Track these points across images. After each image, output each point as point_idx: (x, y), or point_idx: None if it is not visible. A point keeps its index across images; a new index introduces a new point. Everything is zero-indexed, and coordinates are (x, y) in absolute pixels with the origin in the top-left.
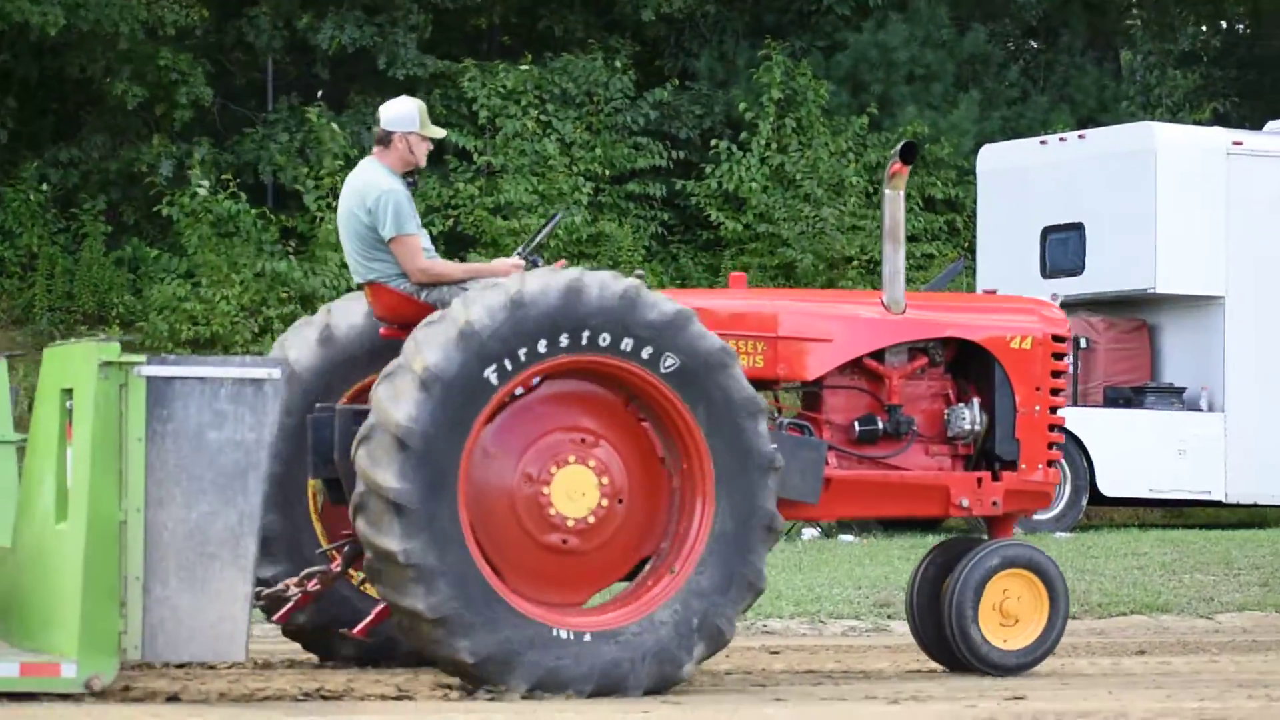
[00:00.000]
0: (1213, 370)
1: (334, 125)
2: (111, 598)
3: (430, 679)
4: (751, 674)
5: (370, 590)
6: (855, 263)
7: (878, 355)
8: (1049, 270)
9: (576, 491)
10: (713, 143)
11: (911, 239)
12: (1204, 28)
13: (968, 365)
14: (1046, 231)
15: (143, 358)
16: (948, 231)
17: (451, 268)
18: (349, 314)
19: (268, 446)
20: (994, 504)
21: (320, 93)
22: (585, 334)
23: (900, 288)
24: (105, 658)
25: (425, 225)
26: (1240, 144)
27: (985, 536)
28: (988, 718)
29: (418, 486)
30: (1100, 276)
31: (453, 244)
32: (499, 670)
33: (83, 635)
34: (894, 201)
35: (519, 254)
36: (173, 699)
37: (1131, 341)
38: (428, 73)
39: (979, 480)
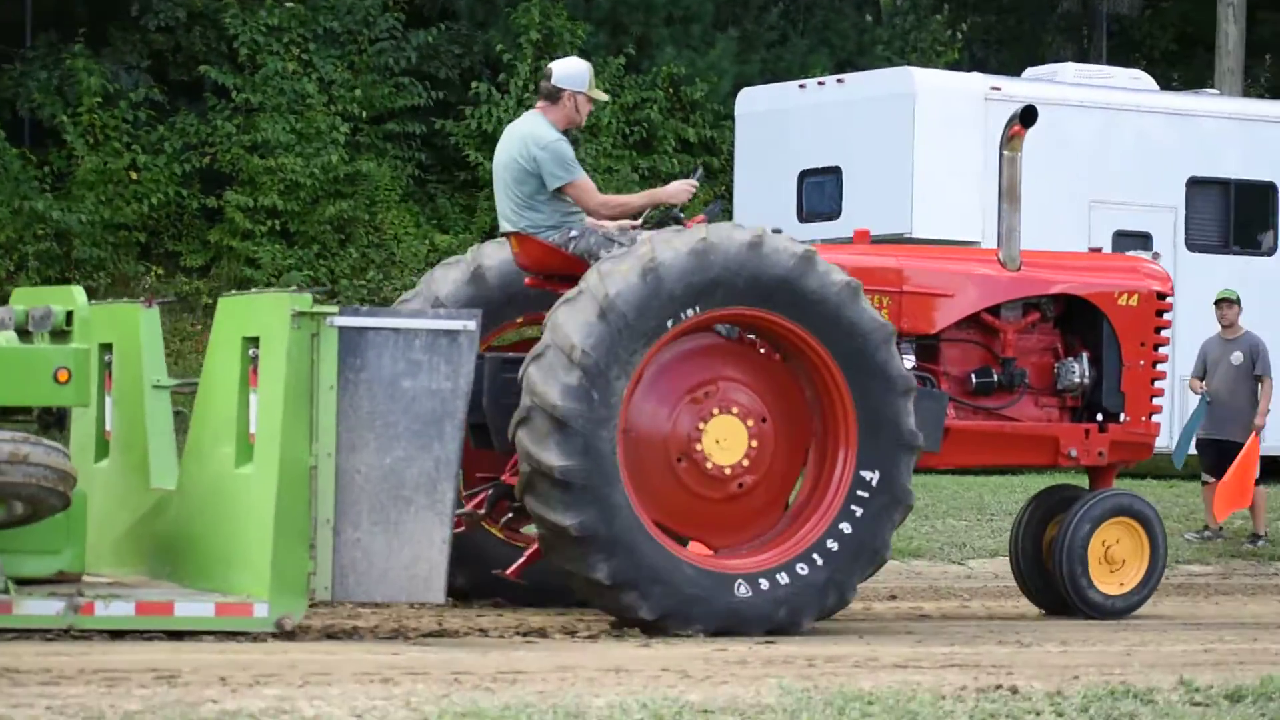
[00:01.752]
0: None
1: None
2: (301, 540)
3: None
4: (503, 617)
5: (501, 535)
6: None
7: (994, 310)
8: (805, 214)
9: (726, 439)
10: (473, 84)
11: (667, 181)
12: None
13: (1076, 320)
14: (804, 175)
15: (335, 309)
16: (705, 174)
17: (630, 197)
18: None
19: (464, 396)
20: (1100, 454)
21: (82, 30)
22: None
23: (1016, 245)
24: (295, 598)
25: (182, 162)
26: (998, 89)
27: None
28: (737, 660)
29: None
30: (857, 220)
31: (209, 181)
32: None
33: (274, 576)
34: (1011, 163)
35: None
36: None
37: None
38: (190, 10)
39: (1086, 431)
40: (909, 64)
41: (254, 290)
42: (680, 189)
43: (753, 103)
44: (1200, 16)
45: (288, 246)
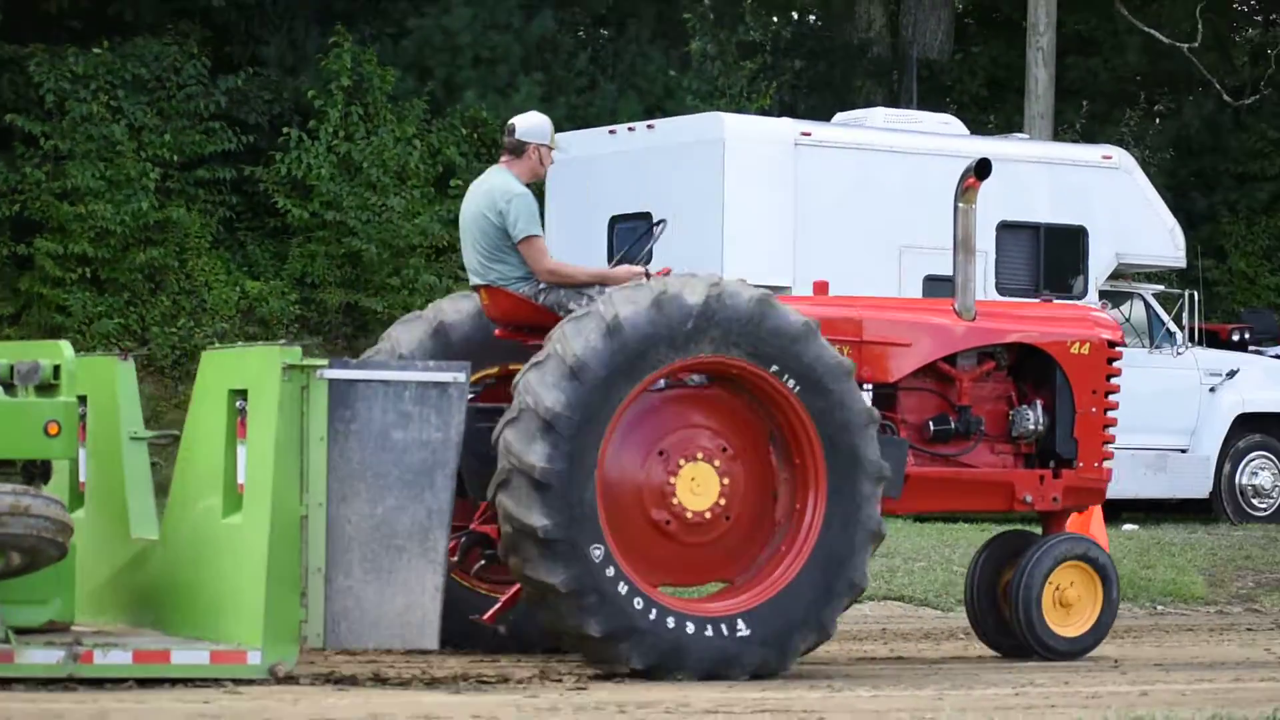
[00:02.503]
0: None
1: None
2: (293, 588)
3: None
4: (314, 664)
5: (474, 584)
6: (420, 249)
7: (950, 359)
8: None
9: (700, 488)
10: (284, 130)
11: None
12: (775, 19)
13: (1029, 368)
14: (615, 220)
15: (325, 361)
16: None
17: (578, 270)
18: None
19: (455, 447)
20: (1054, 500)
21: None
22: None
23: (972, 295)
24: (287, 645)
25: None
26: (809, 135)
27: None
28: (549, 707)
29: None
30: (667, 266)
31: (20, 229)
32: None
33: (266, 624)
34: (966, 214)
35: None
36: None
37: None
38: None
39: (1041, 477)
40: (719, 110)
41: (240, 344)
42: (629, 275)
43: (563, 148)
44: (1010, 60)
45: (98, 294)
